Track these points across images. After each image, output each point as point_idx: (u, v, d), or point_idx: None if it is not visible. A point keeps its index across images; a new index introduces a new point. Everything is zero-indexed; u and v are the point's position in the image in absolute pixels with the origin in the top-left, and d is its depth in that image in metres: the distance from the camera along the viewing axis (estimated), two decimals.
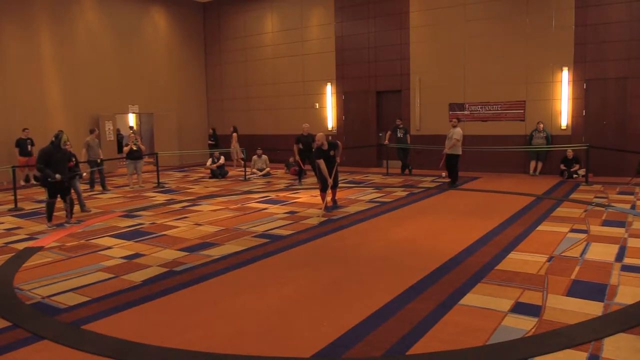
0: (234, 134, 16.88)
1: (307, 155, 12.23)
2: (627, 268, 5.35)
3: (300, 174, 12.73)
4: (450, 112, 14.54)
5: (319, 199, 10.03)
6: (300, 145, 12.24)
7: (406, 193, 10.87)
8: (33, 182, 14.15)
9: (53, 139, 8.20)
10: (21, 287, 5.24)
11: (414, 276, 5.25)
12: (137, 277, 5.50)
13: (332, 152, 9.12)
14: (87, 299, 4.86)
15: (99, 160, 12.48)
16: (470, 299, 4.59)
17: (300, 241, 6.91)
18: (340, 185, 12.27)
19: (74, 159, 9.02)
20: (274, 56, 18.06)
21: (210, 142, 17.64)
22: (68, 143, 8.41)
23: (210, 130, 17.88)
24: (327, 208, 9.07)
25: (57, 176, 7.97)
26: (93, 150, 12.39)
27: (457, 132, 11.36)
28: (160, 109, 18.24)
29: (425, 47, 14.89)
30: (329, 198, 9.33)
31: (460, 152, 11.49)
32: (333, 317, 4.27)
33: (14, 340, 3.99)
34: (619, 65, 12.38)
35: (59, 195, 8.32)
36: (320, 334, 3.95)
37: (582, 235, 6.76)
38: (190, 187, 12.75)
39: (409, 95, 15.30)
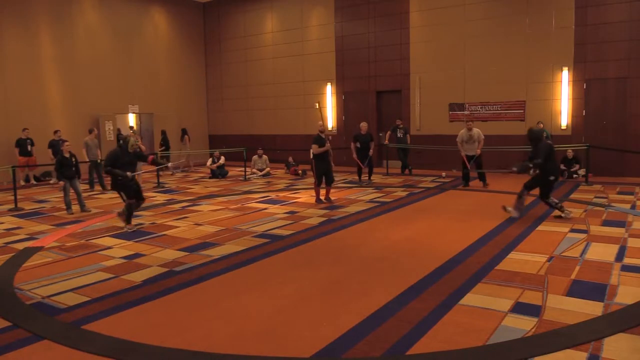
0: (186, 137, 16.58)
1: (364, 155, 12.17)
2: (627, 268, 5.35)
3: (359, 173, 12.57)
4: (450, 112, 14.56)
5: (321, 193, 10.14)
6: (358, 144, 12.21)
7: (406, 193, 10.87)
8: (33, 182, 14.17)
9: (121, 141, 7.99)
10: (21, 287, 5.24)
11: (414, 276, 5.25)
12: (137, 277, 5.50)
13: (328, 143, 9.73)
14: (87, 299, 4.86)
15: (98, 160, 12.49)
16: (470, 299, 4.59)
17: (300, 241, 6.91)
18: (340, 185, 12.31)
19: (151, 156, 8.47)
20: (274, 56, 18.07)
21: (160, 148, 16.16)
22: (136, 144, 8.08)
23: (161, 135, 16.56)
24: (318, 200, 9.80)
25: (129, 174, 7.72)
26: (91, 150, 12.40)
27: (481, 133, 11.15)
28: (160, 109, 18.24)
29: (425, 47, 14.90)
30: (322, 191, 9.92)
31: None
32: (333, 317, 4.27)
33: (14, 340, 3.99)
34: (619, 65, 12.38)
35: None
36: (320, 334, 3.95)
37: (582, 235, 6.76)
38: (190, 187, 12.75)
39: (409, 95, 15.30)
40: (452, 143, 13.68)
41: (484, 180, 11.37)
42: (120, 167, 7.68)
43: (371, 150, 12.22)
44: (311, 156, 9.80)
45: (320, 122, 9.89)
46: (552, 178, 7.77)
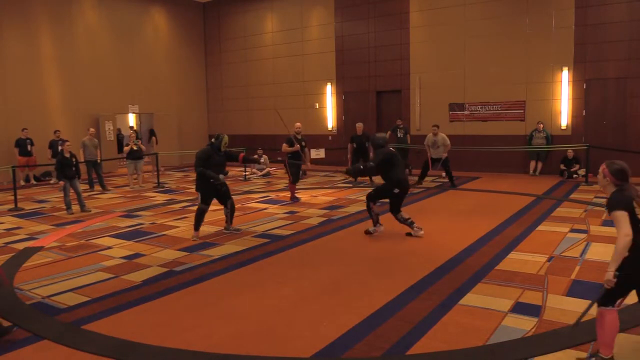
0: (153, 138, 16.16)
1: (360, 155, 12.17)
2: None
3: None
4: (450, 112, 14.56)
5: (319, 199, 10.24)
6: (354, 145, 12.23)
7: None
8: (33, 182, 14.16)
9: (213, 140, 7.26)
10: (21, 287, 5.24)
11: (414, 276, 5.25)
12: (137, 277, 5.50)
13: (303, 143, 9.93)
14: (87, 299, 4.86)
15: (98, 161, 12.48)
16: (470, 299, 4.59)
17: (300, 241, 6.91)
18: (340, 185, 12.32)
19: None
20: (274, 56, 18.06)
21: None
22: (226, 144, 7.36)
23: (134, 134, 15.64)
24: (293, 198, 10.07)
25: (221, 177, 7.12)
26: (89, 150, 12.38)
27: (446, 138, 11.75)
28: (160, 109, 18.24)
29: (425, 47, 14.89)
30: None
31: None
32: (333, 317, 4.27)
33: (14, 340, 3.99)
34: (619, 65, 12.37)
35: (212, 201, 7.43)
36: (320, 334, 3.95)
37: (582, 235, 6.76)
38: (190, 187, 12.73)
39: (409, 95, 15.29)
40: (452, 143, 13.65)
41: (452, 181, 11.72)
42: (212, 167, 7.09)
43: (371, 153, 12.15)
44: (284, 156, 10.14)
45: (298, 124, 10.31)
46: (396, 191, 6.85)
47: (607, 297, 3.35)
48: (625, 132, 12.44)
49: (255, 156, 9.00)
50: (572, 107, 13.05)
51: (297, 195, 10.35)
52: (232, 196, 7.72)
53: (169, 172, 16.19)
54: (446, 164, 11.68)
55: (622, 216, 3.20)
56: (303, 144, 10.06)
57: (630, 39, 12.16)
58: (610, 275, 3.21)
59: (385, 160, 6.84)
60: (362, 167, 7.17)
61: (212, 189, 7.21)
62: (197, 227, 7.25)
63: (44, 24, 15.15)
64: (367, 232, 7.18)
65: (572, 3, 12.72)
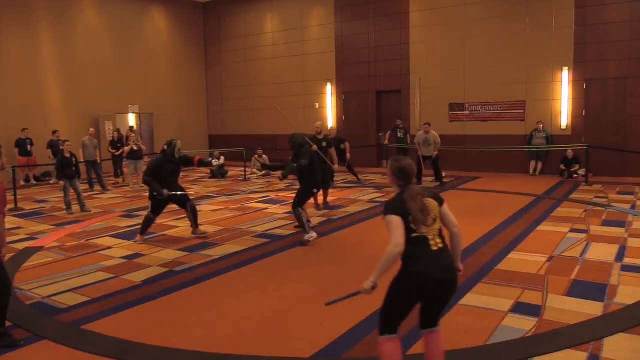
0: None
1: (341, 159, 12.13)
2: (627, 268, 5.35)
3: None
4: (450, 112, 14.56)
5: (319, 200, 10.07)
6: (343, 146, 12.26)
7: None
8: (33, 182, 14.16)
9: (165, 147, 6.96)
10: (21, 287, 5.24)
11: None
12: (137, 277, 5.50)
13: (324, 144, 9.09)
14: (87, 299, 4.86)
15: (98, 161, 12.48)
16: (470, 299, 4.59)
17: (300, 241, 6.90)
18: (340, 185, 12.31)
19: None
20: (273, 56, 18.06)
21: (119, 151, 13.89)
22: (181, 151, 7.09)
23: (115, 133, 14.52)
24: (317, 206, 9.11)
25: (165, 192, 6.78)
26: (88, 150, 12.37)
27: (437, 136, 11.70)
28: (160, 109, 18.24)
29: (425, 47, 14.89)
30: (320, 199, 9.23)
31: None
32: (333, 317, 4.27)
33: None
34: (619, 65, 12.38)
35: (164, 207, 7.24)
36: (320, 334, 3.95)
37: (582, 235, 6.76)
38: (190, 187, 12.74)
39: (409, 95, 15.30)
40: (452, 143, 13.74)
41: (440, 180, 11.86)
42: (164, 177, 6.85)
43: (348, 154, 12.05)
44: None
45: (319, 123, 9.92)
46: (315, 191, 6.99)
47: (385, 321, 2.98)
48: (625, 132, 12.44)
49: (210, 159, 8.52)
50: (572, 107, 13.05)
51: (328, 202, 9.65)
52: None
53: None
54: (436, 162, 11.73)
55: (393, 221, 2.80)
56: (324, 144, 9.09)
57: (630, 39, 12.17)
58: (368, 284, 2.85)
59: (312, 159, 6.80)
60: (295, 165, 6.79)
61: (163, 200, 6.97)
62: (142, 231, 7.09)
63: (44, 23, 15.14)
64: (303, 243, 6.59)
65: (572, 3, 12.73)
